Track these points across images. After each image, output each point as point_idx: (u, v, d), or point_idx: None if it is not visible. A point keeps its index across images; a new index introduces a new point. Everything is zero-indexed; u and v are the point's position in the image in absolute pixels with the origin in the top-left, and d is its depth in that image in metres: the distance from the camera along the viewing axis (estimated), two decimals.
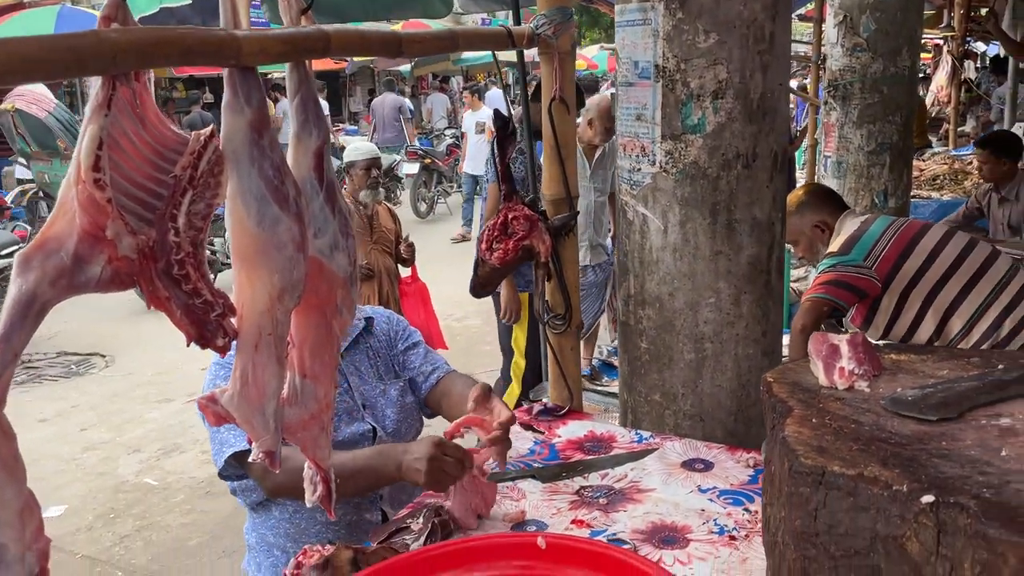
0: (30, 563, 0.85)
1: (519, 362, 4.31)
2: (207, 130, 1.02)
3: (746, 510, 1.69)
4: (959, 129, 9.16)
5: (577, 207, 2.21)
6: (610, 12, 3.72)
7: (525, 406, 2.30)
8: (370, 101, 18.78)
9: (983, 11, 7.95)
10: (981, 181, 5.23)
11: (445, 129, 14.50)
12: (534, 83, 3.54)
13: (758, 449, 1.92)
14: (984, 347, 2.54)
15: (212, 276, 1.06)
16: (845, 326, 3.00)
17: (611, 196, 4.31)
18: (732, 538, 1.59)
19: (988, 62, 14.70)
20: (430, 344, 2.23)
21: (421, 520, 1.61)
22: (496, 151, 2.02)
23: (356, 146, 4.58)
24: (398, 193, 11.97)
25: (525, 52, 2.23)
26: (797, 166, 7.73)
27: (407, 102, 13.83)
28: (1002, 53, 12.72)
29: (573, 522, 1.68)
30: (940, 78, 10.00)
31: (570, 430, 2.14)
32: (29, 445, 4.98)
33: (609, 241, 4.54)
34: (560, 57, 2.07)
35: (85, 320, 7.12)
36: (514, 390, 4.29)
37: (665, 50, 1.94)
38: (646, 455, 1.95)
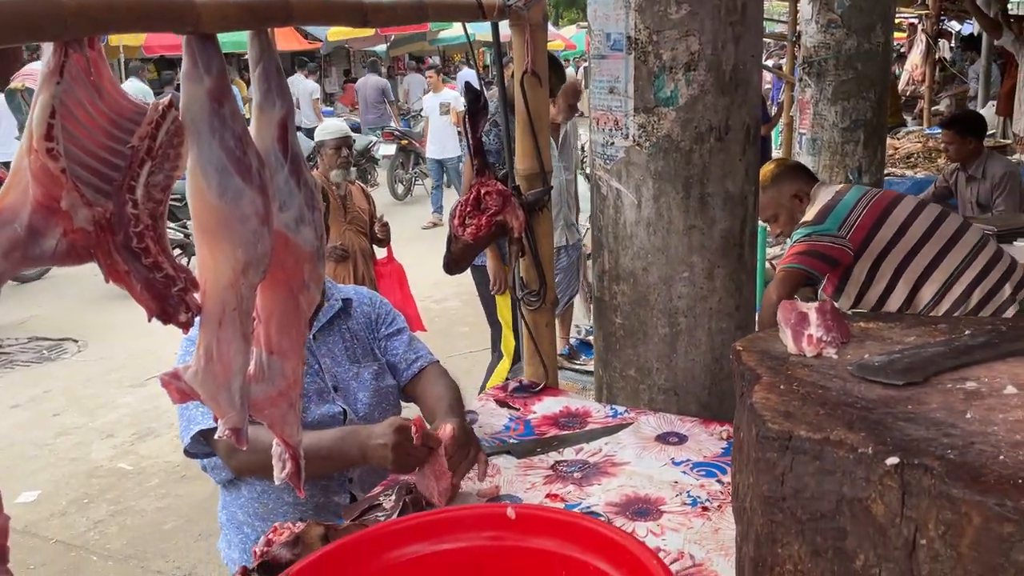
0: None
1: (509, 336, 4.27)
2: (165, 99, 1.00)
3: (719, 481, 1.70)
4: (933, 108, 9.22)
5: (551, 183, 2.20)
6: None
7: (500, 384, 2.30)
8: (345, 82, 18.59)
9: None
10: (949, 161, 5.28)
11: (422, 111, 14.35)
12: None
13: (731, 421, 1.92)
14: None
15: (186, 260, 1.04)
16: (819, 295, 3.02)
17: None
18: (705, 509, 1.60)
19: (961, 41, 14.81)
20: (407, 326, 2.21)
21: (393, 497, 1.61)
22: (467, 124, 2.00)
23: (325, 126, 4.51)
24: (375, 174, 11.86)
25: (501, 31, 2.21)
26: (774, 145, 7.76)
27: (388, 83, 13.69)
28: (976, 31, 12.83)
29: (548, 496, 1.69)
30: (915, 57, 10.06)
31: (545, 406, 2.14)
32: (1, 431, 4.92)
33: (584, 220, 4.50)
34: (532, 29, 2.05)
35: (57, 305, 7.01)
36: (505, 364, 4.25)
37: (637, 21, 1.93)
38: (620, 429, 1.96)
